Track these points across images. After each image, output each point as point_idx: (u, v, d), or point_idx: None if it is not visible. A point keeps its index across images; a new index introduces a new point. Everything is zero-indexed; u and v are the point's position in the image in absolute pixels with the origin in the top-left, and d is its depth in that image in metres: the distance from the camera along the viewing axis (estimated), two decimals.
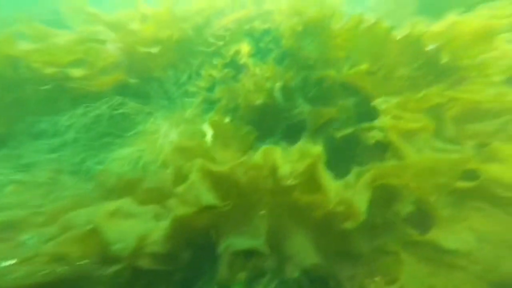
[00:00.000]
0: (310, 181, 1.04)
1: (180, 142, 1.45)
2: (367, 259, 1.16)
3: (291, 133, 1.59)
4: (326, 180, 1.01)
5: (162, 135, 1.76)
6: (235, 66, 2.78)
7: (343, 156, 1.46)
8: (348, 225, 0.95)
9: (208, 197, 0.94)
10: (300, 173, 0.98)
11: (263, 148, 1.11)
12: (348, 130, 1.45)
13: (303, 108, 1.61)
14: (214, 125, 1.52)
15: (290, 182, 0.98)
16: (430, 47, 1.48)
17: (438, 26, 1.91)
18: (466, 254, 1.06)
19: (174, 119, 1.99)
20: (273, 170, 0.98)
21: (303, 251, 1.09)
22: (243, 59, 2.83)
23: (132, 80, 2.30)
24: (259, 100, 1.76)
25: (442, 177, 1.15)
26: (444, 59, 1.48)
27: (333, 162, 1.32)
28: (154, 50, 2.30)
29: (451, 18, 1.79)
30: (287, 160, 1.10)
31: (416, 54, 1.51)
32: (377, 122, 1.29)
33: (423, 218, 1.18)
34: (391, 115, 1.29)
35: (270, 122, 1.72)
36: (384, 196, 1.21)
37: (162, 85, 2.35)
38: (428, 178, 1.04)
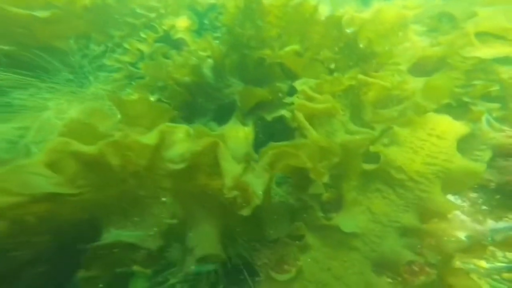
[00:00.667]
0: (211, 164, 0.96)
1: (74, 120, 1.22)
2: (281, 245, 1.14)
3: (223, 114, 1.52)
4: (226, 163, 0.93)
5: (56, 112, 1.48)
6: (170, 42, 2.54)
7: (276, 139, 1.42)
8: (245, 211, 0.90)
9: (41, 183, 0.75)
10: (193, 154, 0.88)
11: (160, 126, 0.98)
12: (279, 113, 1.40)
13: (236, 88, 1.51)
14: (117, 102, 1.32)
15: (177, 165, 0.87)
16: (349, 30, 1.51)
17: (366, 12, 2.00)
18: (361, 236, 1.11)
19: (78, 95, 1.71)
20: (157, 151, 0.86)
21: (206, 241, 1.01)
22: (179, 35, 2.61)
23: (6, 48, 1.88)
24: (186, 78, 1.62)
25: (348, 158, 1.18)
26: (362, 44, 1.53)
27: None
28: (42, 14, 1.91)
29: (376, 5, 1.89)
30: (186, 140, 0.99)
31: (338, 37, 1.53)
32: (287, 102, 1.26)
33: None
34: (304, 96, 1.27)
35: (200, 102, 1.60)
36: (300, 180, 1.20)
37: (66, 57, 1.99)
38: (324, 159, 1.05)
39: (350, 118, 1.37)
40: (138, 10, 2.60)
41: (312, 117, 1.20)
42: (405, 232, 1.13)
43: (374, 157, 1.26)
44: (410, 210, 1.15)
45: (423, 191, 1.21)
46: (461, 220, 1.23)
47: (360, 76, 1.41)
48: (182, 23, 2.79)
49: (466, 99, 1.60)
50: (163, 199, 1.02)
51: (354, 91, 1.42)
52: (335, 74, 1.37)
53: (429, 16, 2.36)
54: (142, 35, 2.51)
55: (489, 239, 1.22)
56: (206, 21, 2.93)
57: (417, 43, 2.10)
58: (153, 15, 2.68)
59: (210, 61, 1.65)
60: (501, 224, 1.35)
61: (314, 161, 0.97)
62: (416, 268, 1.10)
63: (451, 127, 1.39)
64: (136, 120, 1.34)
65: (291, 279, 0.98)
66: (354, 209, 1.14)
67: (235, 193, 0.87)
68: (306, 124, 1.11)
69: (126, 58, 2.28)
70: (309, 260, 1.09)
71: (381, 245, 1.07)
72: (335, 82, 1.30)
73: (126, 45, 2.31)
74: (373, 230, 1.11)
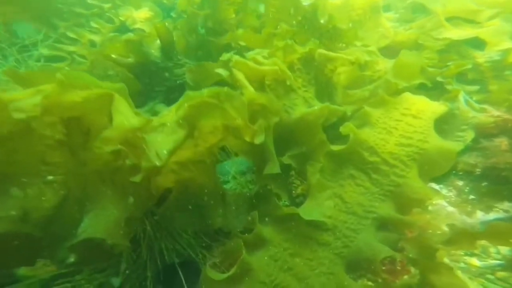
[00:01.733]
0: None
1: None
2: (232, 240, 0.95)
3: (175, 96, 1.40)
4: (120, 115, 0.74)
5: None
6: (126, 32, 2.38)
7: None
8: (137, 177, 0.73)
9: None
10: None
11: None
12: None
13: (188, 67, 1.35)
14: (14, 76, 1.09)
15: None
16: (306, 3, 1.41)
17: None
18: (332, 229, 0.92)
19: None
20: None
21: (98, 225, 0.77)
22: (138, 25, 2.47)
23: None
24: (130, 59, 1.45)
25: (309, 134, 1.02)
26: (322, 19, 1.43)
27: None
28: None
29: None
30: None
31: (295, 10, 1.41)
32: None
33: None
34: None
35: (147, 84, 1.46)
36: (258, 160, 1.02)
37: None
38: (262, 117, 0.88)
39: (317, 97, 1.22)
40: (89, 0, 2.44)
41: (262, 85, 1.03)
42: (382, 224, 0.99)
43: (345, 141, 1.11)
44: (387, 199, 1.02)
45: (399, 176, 1.07)
46: (447, 211, 1.08)
47: (321, 50, 1.28)
48: (142, 14, 2.66)
49: (440, 79, 1.51)
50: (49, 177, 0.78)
51: (317, 66, 1.29)
52: (288, 41, 1.22)
53: (402, 6, 2.37)
54: (94, 25, 2.33)
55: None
56: (173, 14, 2.82)
57: (390, 28, 2.06)
58: (107, 5, 2.52)
59: (157, 42, 1.49)
60: (491, 215, 1.22)
61: (244, 117, 0.78)
62: (397, 267, 0.92)
63: (427, 106, 1.29)
64: None
65: (232, 279, 0.80)
66: (319, 194, 0.98)
67: (116, 147, 0.67)
68: (244, 82, 0.95)
69: (72, 48, 2.08)
70: (266, 258, 0.89)
71: (356, 239, 0.91)
72: (288, 49, 1.17)
73: (71, 35, 2.11)
74: (346, 222, 0.95)
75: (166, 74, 1.45)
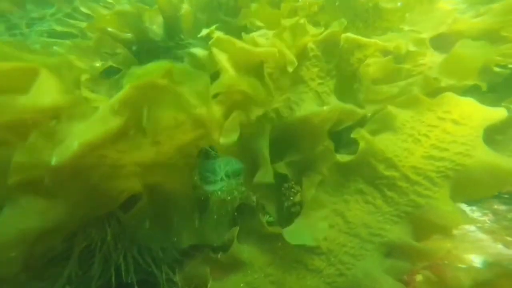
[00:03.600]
0: None
1: None
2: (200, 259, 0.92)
3: None
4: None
5: None
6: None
7: None
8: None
9: None
10: None
11: None
12: None
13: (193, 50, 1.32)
14: None
15: None
16: None
17: None
18: (326, 253, 0.85)
19: None
20: None
21: None
22: None
23: None
24: (128, 34, 1.46)
25: (311, 139, 0.94)
26: None
27: None
28: None
29: None
30: None
31: None
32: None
33: None
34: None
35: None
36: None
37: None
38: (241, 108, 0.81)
39: (336, 93, 1.11)
40: None
41: (259, 73, 0.95)
42: (391, 250, 0.89)
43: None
44: (402, 221, 0.91)
45: (422, 195, 0.95)
46: (476, 239, 0.93)
47: (348, 34, 1.15)
48: None
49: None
50: None
51: (341, 54, 1.17)
52: (299, 19, 1.11)
53: None
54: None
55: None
56: None
57: (451, 12, 1.81)
58: None
59: (159, 17, 1.48)
60: None
61: (207, 106, 0.71)
62: None
63: (476, 111, 1.11)
64: None
65: None
66: (312, 213, 0.90)
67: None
68: (225, 63, 0.87)
69: (84, 24, 2.18)
70: (242, 284, 0.84)
71: (354, 267, 0.83)
72: (297, 30, 1.04)
73: (85, 10, 2.21)
74: (345, 246, 0.87)
75: (165, 54, 1.42)
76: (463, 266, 0.86)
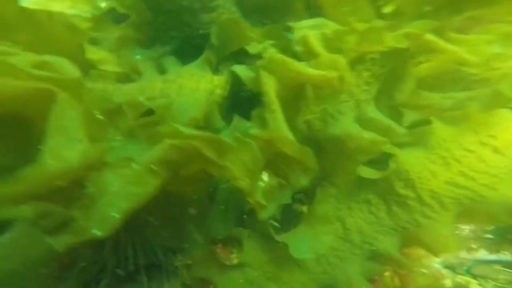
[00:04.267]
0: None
1: None
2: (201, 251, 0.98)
3: (193, 48, 1.25)
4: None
5: None
6: None
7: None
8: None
9: None
10: None
11: None
12: None
13: (222, 15, 1.25)
14: None
15: None
16: None
17: None
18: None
19: None
20: None
21: None
22: None
23: None
24: None
25: (339, 161, 1.02)
26: None
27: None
28: None
29: None
30: None
31: None
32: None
33: None
34: (303, 48, 1.01)
35: (162, 22, 1.28)
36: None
37: None
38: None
39: (377, 98, 1.08)
40: None
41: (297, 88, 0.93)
42: (374, 256, 1.01)
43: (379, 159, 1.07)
44: (395, 235, 1.02)
45: (426, 216, 1.03)
46: None
47: (430, 37, 1.02)
48: None
49: None
50: None
51: (402, 59, 1.07)
52: (376, 22, 1.00)
53: None
54: None
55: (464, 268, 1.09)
56: None
57: None
58: None
59: None
60: (492, 257, 1.16)
61: (254, 180, 0.72)
62: None
63: None
64: None
65: None
66: (318, 227, 1.00)
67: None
68: (273, 100, 0.84)
69: None
70: (241, 281, 0.95)
71: (337, 267, 0.97)
72: (371, 37, 0.94)
73: None
74: (336, 250, 0.99)
75: (188, 18, 1.21)
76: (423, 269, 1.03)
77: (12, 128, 0.69)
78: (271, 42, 1.10)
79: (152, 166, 0.69)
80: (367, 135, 0.98)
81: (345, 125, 1.01)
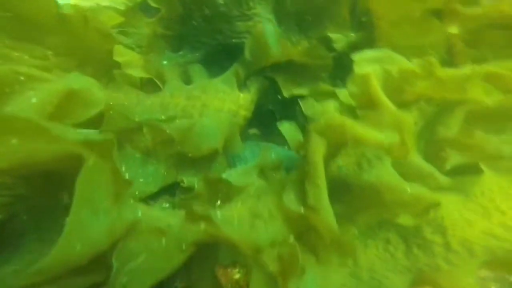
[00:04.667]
0: None
1: None
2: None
3: (222, 58, 1.21)
4: None
5: None
6: None
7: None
8: None
9: None
10: None
11: None
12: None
13: (257, 25, 1.11)
14: None
15: None
16: None
17: None
18: None
19: None
20: None
21: None
22: None
23: None
24: None
25: (372, 206, 0.99)
26: None
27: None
28: None
29: None
30: None
31: None
32: None
33: None
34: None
35: (195, 27, 1.23)
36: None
37: None
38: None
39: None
40: None
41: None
42: None
43: None
44: (407, 274, 0.93)
45: (450, 262, 1.02)
46: None
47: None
48: None
49: None
50: None
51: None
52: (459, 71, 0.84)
53: None
54: None
55: None
56: None
57: None
58: None
59: None
60: None
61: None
62: None
63: None
64: None
65: None
66: (331, 267, 0.94)
67: None
68: (319, 171, 0.77)
69: None
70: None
71: None
72: (452, 86, 0.83)
73: None
74: (344, 286, 0.92)
75: (223, 24, 1.16)
76: None
77: (40, 189, 0.69)
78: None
79: (183, 245, 0.71)
80: (410, 189, 0.88)
81: (383, 172, 0.92)
